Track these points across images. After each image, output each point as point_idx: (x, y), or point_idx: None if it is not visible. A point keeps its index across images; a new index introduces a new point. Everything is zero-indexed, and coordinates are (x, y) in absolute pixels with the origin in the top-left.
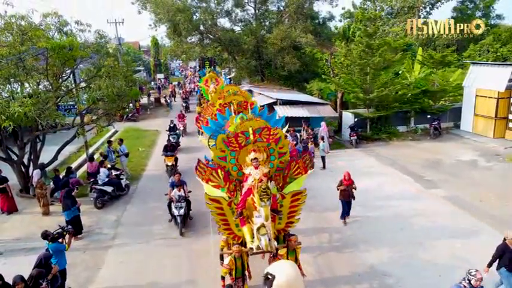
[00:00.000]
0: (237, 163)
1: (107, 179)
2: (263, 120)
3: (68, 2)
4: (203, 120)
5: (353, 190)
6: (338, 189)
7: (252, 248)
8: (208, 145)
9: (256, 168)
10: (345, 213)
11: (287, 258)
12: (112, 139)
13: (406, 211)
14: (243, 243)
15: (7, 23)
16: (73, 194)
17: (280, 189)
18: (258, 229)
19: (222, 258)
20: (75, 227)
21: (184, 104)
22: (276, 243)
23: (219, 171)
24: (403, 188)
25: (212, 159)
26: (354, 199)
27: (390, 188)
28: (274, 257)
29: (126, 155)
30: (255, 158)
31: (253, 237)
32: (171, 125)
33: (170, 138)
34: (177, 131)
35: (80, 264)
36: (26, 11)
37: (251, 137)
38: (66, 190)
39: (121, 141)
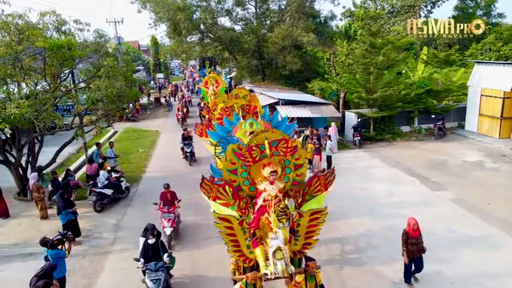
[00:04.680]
0: (249, 177)
1: (106, 182)
2: (279, 131)
3: (67, 1)
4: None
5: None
6: (404, 250)
7: (266, 274)
8: (215, 153)
9: (271, 183)
10: (411, 274)
11: (306, 285)
12: (101, 141)
13: (413, 214)
14: (254, 267)
15: (4, 22)
16: (72, 197)
17: (298, 206)
18: (274, 253)
19: (235, 283)
20: (71, 231)
21: (188, 150)
22: (293, 268)
23: (226, 187)
24: (410, 191)
25: (219, 170)
26: (424, 252)
27: (397, 191)
28: (291, 280)
29: (115, 157)
30: (274, 171)
31: (267, 261)
32: (151, 234)
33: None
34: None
35: (79, 270)
36: (23, 10)
37: (267, 151)
38: (59, 192)
39: (111, 144)
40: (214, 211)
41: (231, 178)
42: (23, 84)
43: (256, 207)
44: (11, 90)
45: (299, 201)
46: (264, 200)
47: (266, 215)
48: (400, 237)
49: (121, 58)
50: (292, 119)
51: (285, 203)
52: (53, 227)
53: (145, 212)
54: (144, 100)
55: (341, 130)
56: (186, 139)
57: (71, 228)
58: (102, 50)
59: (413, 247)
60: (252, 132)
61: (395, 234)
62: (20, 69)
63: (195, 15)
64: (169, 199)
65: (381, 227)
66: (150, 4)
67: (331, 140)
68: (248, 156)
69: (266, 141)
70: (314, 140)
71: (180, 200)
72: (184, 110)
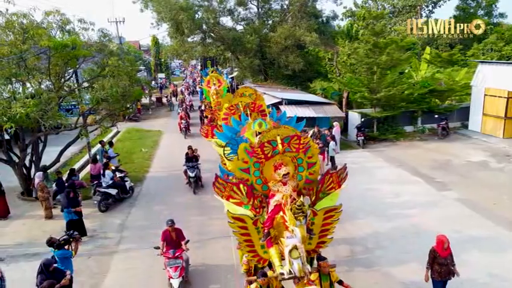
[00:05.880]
0: (262, 175)
1: (111, 182)
2: (292, 127)
3: (67, 1)
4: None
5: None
6: (428, 268)
7: (282, 273)
8: (224, 154)
9: (284, 184)
10: None
11: (320, 284)
12: (104, 140)
13: (420, 214)
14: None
15: (8, 21)
16: (79, 197)
17: (311, 205)
18: (290, 252)
19: (250, 283)
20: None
21: (192, 175)
22: (309, 267)
23: (241, 186)
24: (415, 191)
25: (229, 171)
26: (453, 276)
27: (402, 191)
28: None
29: (117, 155)
30: (287, 174)
31: (283, 260)
32: None
33: None
34: None
35: (85, 270)
36: (28, 9)
37: (279, 146)
38: (65, 191)
39: (110, 144)
40: (228, 210)
41: (244, 177)
42: (28, 84)
43: (270, 206)
44: (16, 89)
45: (313, 199)
46: (278, 200)
47: (281, 213)
48: (406, 236)
49: (125, 58)
50: (300, 118)
51: (301, 200)
52: (58, 226)
53: (149, 212)
54: (145, 100)
55: (344, 130)
56: (191, 160)
57: (75, 228)
58: (107, 49)
59: (441, 267)
60: (260, 133)
61: (402, 235)
62: (24, 69)
63: (197, 15)
64: (174, 239)
65: (387, 228)
66: (152, 4)
67: (334, 140)
68: (260, 152)
69: (278, 137)
70: (317, 141)
71: (188, 241)
72: (187, 118)
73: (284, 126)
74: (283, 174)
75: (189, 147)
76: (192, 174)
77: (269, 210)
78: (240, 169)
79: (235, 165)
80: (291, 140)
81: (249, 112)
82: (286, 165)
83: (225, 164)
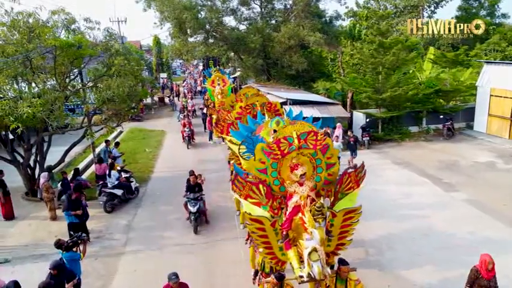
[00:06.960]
0: (279, 176)
1: (116, 182)
2: (308, 123)
3: (67, 1)
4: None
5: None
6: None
7: (302, 276)
8: (239, 153)
9: (301, 185)
10: None
11: (335, 286)
12: (109, 139)
13: (429, 215)
14: (274, 269)
15: (14, 20)
16: (83, 199)
17: (330, 206)
18: (310, 254)
19: (256, 273)
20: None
21: (194, 210)
22: (329, 270)
23: (260, 186)
24: (423, 192)
25: (244, 170)
26: None
27: (410, 192)
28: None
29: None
30: (304, 174)
31: (302, 263)
32: None
33: None
34: None
35: (92, 272)
36: (33, 7)
37: (295, 141)
38: (67, 193)
39: (116, 144)
40: (245, 212)
41: (261, 178)
42: (33, 83)
43: (288, 208)
44: (22, 89)
45: (331, 200)
46: (296, 202)
47: (300, 215)
48: (416, 238)
49: (130, 57)
50: (315, 118)
51: (320, 201)
52: (63, 227)
53: (155, 213)
54: (148, 100)
55: (349, 130)
56: (193, 189)
57: (77, 230)
58: (113, 49)
59: None
60: (276, 131)
61: (413, 237)
62: (30, 68)
63: (200, 15)
64: None
65: (397, 229)
66: (155, 3)
67: (338, 142)
68: (276, 149)
69: (294, 133)
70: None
71: None
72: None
73: (301, 122)
74: (300, 175)
75: (192, 173)
76: (193, 209)
77: (287, 212)
78: (257, 170)
79: (252, 165)
80: (308, 136)
81: (265, 112)
82: (302, 165)
83: (239, 164)
